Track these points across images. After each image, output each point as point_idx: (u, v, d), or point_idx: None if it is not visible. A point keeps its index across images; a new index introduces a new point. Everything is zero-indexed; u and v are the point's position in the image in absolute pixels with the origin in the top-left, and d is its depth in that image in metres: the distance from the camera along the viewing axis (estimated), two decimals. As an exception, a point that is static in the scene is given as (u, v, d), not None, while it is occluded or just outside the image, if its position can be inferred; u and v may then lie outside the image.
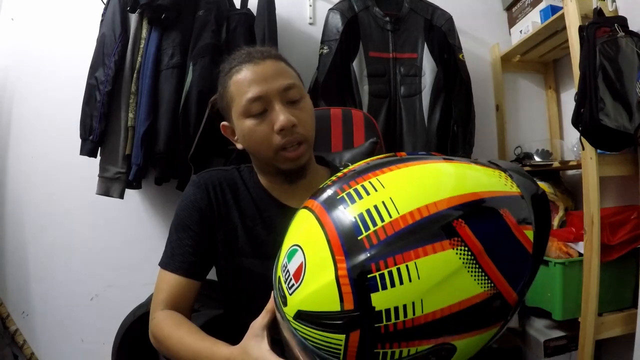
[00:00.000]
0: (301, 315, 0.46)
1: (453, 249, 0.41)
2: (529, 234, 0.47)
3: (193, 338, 0.63)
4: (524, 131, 1.92)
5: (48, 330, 1.48)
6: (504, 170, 0.51)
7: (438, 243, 0.41)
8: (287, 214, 0.75)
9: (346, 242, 0.43)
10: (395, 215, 0.43)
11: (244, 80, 0.70)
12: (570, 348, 1.44)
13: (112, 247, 1.53)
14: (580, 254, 1.35)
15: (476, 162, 0.52)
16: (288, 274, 0.47)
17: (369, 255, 0.42)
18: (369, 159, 0.54)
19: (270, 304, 0.56)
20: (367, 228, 0.43)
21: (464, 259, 0.42)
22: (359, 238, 0.43)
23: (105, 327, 1.34)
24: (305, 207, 0.52)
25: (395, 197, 0.44)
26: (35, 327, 1.47)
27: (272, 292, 0.56)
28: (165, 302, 0.70)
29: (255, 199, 0.77)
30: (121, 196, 1.32)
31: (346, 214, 0.45)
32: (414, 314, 0.41)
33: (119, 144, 1.31)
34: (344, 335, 0.42)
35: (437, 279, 0.41)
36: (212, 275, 0.78)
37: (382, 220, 0.43)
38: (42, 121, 1.52)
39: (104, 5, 1.37)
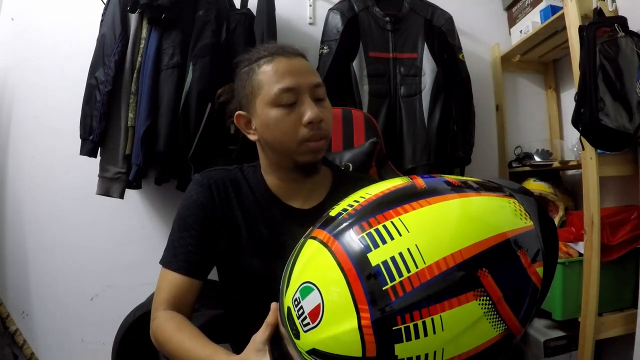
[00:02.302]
0: (317, 353, 0.45)
1: (476, 300, 0.42)
2: (540, 270, 0.47)
3: (193, 344, 0.62)
4: (524, 131, 1.92)
5: (48, 330, 1.48)
6: (510, 195, 0.51)
7: (463, 295, 0.42)
8: (290, 214, 0.76)
9: (370, 292, 0.42)
10: (421, 265, 0.42)
11: (277, 70, 0.70)
12: (570, 348, 1.44)
13: (112, 247, 1.53)
14: (580, 254, 1.35)
15: (487, 189, 0.51)
16: (302, 310, 0.46)
17: (394, 307, 0.41)
18: (385, 188, 0.52)
19: (270, 318, 0.55)
20: (392, 278, 0.42)
21: (485, 308, 0.42)
22: (383, 289, 0.42)
23: (105, 327, 1.35)
24: (317, 239, 0.50)
25: (420, 244, 0.43)
26: (35, 327, 1.47)
27: (274, 304, 0.55)
28: (166, 301, 0.70)
29: (258, 198, 0.77)
30: (121, 196, 1.32)
31: (369, 260, 0.43)
32: None
33: (119, 144, 1.31)
34: None
35: (460, 330, 0.42)
36: (212, 275, 0.78)
37: (408, 270, 0.42)
38: (42, 121, 1.52)
39: (104, 5, 1.37)
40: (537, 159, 1.68)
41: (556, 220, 1.62)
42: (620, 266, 1.32)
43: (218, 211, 0.75)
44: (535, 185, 1.66)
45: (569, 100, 1.82)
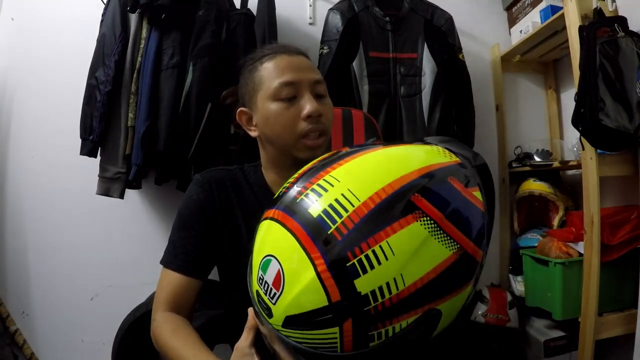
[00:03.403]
0: (290, 321, 0.46)
1: (417, 221, 0.44)
2: (478, 194, 0.50)
3: (187, 351, 0.63)
4: (524, 131, 1.92)
5: (48, 330, 1.48)
6: (446, 148, 0.54)
7: (403, 219, 0.44)
8: None
9: (318, 239, 0.44)
10: (356, 204, 0.45)
11: (278, 66, 0.72)
12: (570, 348, 1.44)
13: (112, 247, 1.53)
14: (580, 254, 1.35)
15: (413, 144, 0.56)
16: (267, 285, 0.48)
17: (343, 245, 0.43)
18: (316, 161, 0.56)
19: (250, 322, 0.56)
20: (334, 221, 0.44)
21: (429, 228, 0.44)
22: (329, 232, 0.44)
23: (105, 327, 1.35)
24: (267, 219, 0.52)
25: (352, 187, 0.46)
26: (35, 327, 1.47)
27: (250, 309, 0.56)
28: (166, 302, 0.70)
29: (259, 197, 0.77)
30: (121, 196, 1.32)
31: (310, 213, 0.46)
32: (397, 289, 0.43)
33: (119, 144, 1.31)
34: (338, 328, 0.44)
35: (410, 252, 0.43)
36: (212, 274, 0.78)
37: (346, 210, 0.45)
38: (42, 121, 1.51)
39: (104, 5, 1.37)
40: (537, 159, 1.68)
41: (556, 221, 1.63)
42: (620, 266, 1.32)
43: (218, 211, 0.75)
44: (535, 185, 1.66)
45: (569, 100, 1.82)
